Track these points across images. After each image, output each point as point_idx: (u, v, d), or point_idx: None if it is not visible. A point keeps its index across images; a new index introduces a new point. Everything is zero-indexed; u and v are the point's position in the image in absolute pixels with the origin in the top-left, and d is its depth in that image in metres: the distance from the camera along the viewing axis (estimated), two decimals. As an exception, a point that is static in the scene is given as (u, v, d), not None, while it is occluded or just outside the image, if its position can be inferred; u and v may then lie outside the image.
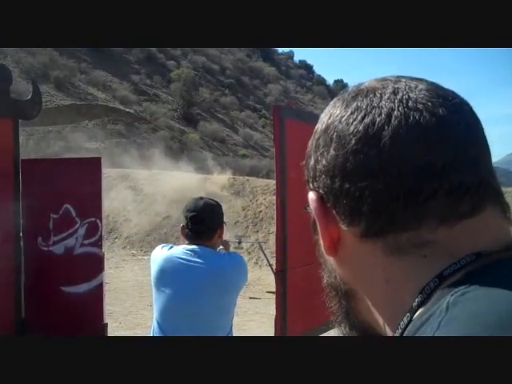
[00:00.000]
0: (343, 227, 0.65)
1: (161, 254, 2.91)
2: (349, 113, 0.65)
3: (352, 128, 0.64)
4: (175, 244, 3.10)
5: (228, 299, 2.93)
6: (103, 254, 6.06)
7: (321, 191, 0.67)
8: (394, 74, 0.70)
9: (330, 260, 0.70)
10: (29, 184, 6.19)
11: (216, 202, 3.08)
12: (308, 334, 4.84)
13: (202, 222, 2.88)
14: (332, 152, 0.65)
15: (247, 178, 17.70)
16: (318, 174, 0.67)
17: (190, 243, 2.90)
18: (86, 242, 6.09)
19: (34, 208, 6.17)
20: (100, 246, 6.06)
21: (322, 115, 0.70)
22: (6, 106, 6.09)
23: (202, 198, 3.04)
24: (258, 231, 14.44)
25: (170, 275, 2.83)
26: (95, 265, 5.98)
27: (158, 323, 2.85)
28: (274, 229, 14.35)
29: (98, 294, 5.85)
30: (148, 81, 53.30)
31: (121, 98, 46.82)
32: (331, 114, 0.68)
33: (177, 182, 17.56)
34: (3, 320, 5.87)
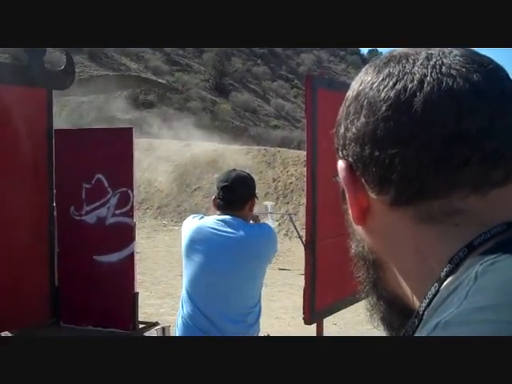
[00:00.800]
0: (372, 195, 0.64)
1: (192, 224, 2.95)
2: (380, 79, 0.64)
3: (383, 94, 0.62)
4: (206, 215, 3.13)
5: (257, 269, 2.97)
6: (134, 224, 6.13)
7: (350, 159, 0.66)
8: None
9: (359, 229, 0.69)
10: (62, 154, 6.26)
11: (248, 174, 3.13)
12: (336, 306, 4.86)
13: (233, 192, 2.92)
14: (362, 119, 0.64)
15: (278, 149, 17.65)
16: (347, 141, 0.66)
17: (221, 213, 2.93)
18: (117, 211, 6.17)
19: (66, 178, 6.26)
20: (131, 216, 6.12)
21: (353, 82, 0.69)
22: (39, 76, 6.15)
23: (234, 170, 3.09)
24: (288, 203, 14.43)
25: (200, 244, 2.87)
26: (127, 234, 6.06)
27: (188, 292, 2.89)
28: (304, 200, 14.32)
29: (129, 263, 5.93)
30: (180, 51, 53.19)
31: (153, 68, 46.87)
32: (362, 80, 0.67)
33: (208, 152, 17.61)
34: (37, 288, 6.00)
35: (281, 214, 13.34)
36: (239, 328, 2.87)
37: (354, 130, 0.65)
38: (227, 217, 2.92)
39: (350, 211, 0.67)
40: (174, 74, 47.98)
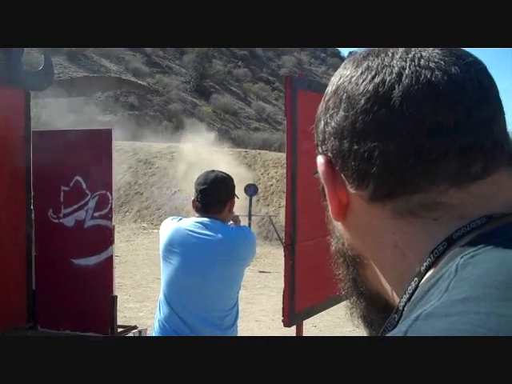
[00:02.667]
0: (351, 190, 0.63)
1: (170, 226, 2.93)
2: (359, 73, 0.64)
3: (362, 88, 0.62)
4: (185, 217, 3.11)
5: (235, 272, 2.96)
6: (113, 227, 6.08)
7: (329, 154, 0.65)
8: None
9: (338, 225, 0.68)
10: (39, 156, 6.20)
11: (227, 174, 3.11)
12: (316, 308, 4.85)
13: (212, 194, 2.92)
14: (341, 113, 0.63)
15: (259, 151, 17.66)
16: (326, 136, 0.66)
17: (200, 216, 2.90)
18: (96, 214, 6.11)
19: (44, 180, 6.19)
20: (110, 219, 6.07)
21: (333, 77, 0.69)
22: (17, 77, 6.08)
23: (213, 171, 3.07)
24: (268, 205, 14.44)
25: (178, 247, 2.85)
26: (105, 237, 6.00)
27: (165, 294, 2.87)
28: (284, 203, 14.36)
29: (107, 266, 5.88)
30: (161, 52, 53.06)
31: (133, 69, 46.71)
32: (341, 75, 0.66)
33: (188, 155, 17.58)
34: (15, 291, 5.93)
35: (261, 216, 13.34)
36: (216, 331, 2.85)
37: (333, 124, 0.64)
38: (206, 219, 2.90)
39: (329, 207, 0.66)
40: (155, 76, 47.85)
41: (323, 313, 5.16)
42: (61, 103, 33.14)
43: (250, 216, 11.85)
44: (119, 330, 6.09)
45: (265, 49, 64.21)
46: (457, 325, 0.48)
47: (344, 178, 0.64)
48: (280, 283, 8.04)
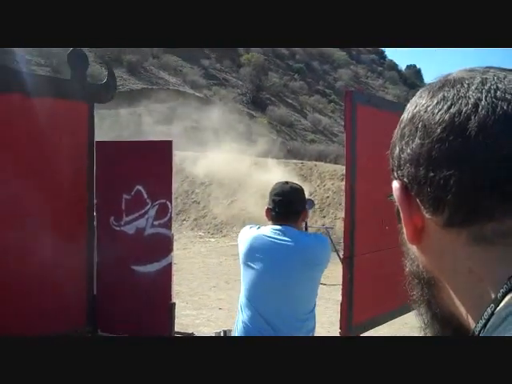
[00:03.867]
0: (427, 216, 0.65)
1: (250, 233, 3.09)
2: (435, 102, 0.65)
3: (438, 117, 0.64)
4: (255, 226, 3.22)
5: (314, 275, 3.12)
6: (172, 235, 6.18)
7: (405, 180, 0.67)
8: (480, 64, 0.69)
9: (413, 248, 0.70)
10: (102, 165, 6.37)
11: (300, 186, 3.29)
12: (374, 322, 4.82)
13: (288, 205, 3.07)
14: (417, 141, 0.65)
15: (315, 162, 17.61)
16: (402, 162, 0.67)
17: (276, 224, 3.05)
18: (156, 222, 6.23)
19: (107, 188, 6.35)
20: (170, 227, 6.17)
21: (408, 105, 0.70)
22: (82, 90, 6.27)
23: (287, 183, 3.23)
24: (324, 216, 14.38)
25: (259, 252, 3.01)
26: (165, 245, 6.10)
27: (248, 298, 2.99)
28: (340, 214, 14.24)
29: (166, 274, 5.98)
30: (218, 65, 53.59)
31: (191, 82, 47.30)
32: (417, 103, 0.68)
33: (245, 166, 17.67)
34: (76, 296, 6.09)
35: (317, 228, 13.30)
36: (297, 333, 2.95)
37: (408, 151, 0.66)
38: (282, 227, 3.05)
39: (404, 230, 0.68)
40: (212, 88, 48.33)
41: (380, 326, 5.12)
42: (121, 114, 33.82)
43: (306, 227, 11.82)
44: (176, 336, 6.18)
45: (321, 62, 64.08)
46: None
47: (419, 203, 0.66)
48: (336, 295, 8.00)
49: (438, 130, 0.63)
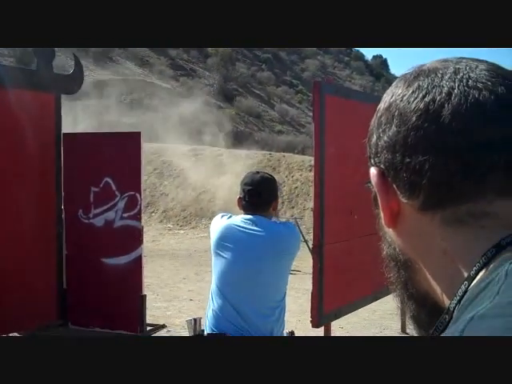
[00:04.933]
0: (403, 200, 0.68)
1: (221, 223, 3.11)
2: (410, 91, 0.69)
3: (413, 105, 0.67)
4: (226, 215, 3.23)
5: (284, 264, 3.15)
6: (142, 227, 6.16)
7: (382, 166, 0.70)
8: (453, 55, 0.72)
9: (390, 232, 0.73)
10: (70, 157, 6.31)
11: (271, 175, 3.30)
12: (344, 310, 4.88)
13: (259, 194, 3.10)
14: (394, 128, 0.68)
15: (283, 154, 17.67)
16: (379, 149, 0.70)
17: (247, 213, 3.08)
18: (125, 215, 6.20)
19: (75, 181, 6.30)
20: (139, 219, 6.15)
21: (385, 95, 0.73)
22: (48, 81, 6.19)
23: (258, 172, 3.26)
24: (293, 207, 14.46)
25: (230, 241, 3.04)
26: (135, 237, 6.08)
27: (218, 286, 3.01)
28: (309, 205, 14.35)
29: (136, 266, 5.96)
30: (185, 55, 53.24)
31: (158, 72, 46.94)
32: (393, 93, 0.71)
33: (213, 157, 17.65)
34: (46, 290, 6.03)
35: (286, 218, 13.37)
36: (268, 322, 2.98)
37: (385, 138, 0.69)
38: (253, 216, 3.08)
39: (381, 215, 0.71)
40: (179, 79, 48.03)
41: (350, 314, 5.19)
42: (87, 105, 33.42)
43: (276, 217, 11.88)
44: (148, 328, 6.17)
45: (288, 52, 64.09)
46: (511, 324, 0.53)
47: (396, 188, 0.68)
48: (306, 284, 8.06)
49: (414, 118, 0.66)
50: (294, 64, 64.33)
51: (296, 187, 14.92)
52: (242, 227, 3.05)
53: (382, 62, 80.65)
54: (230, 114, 44.87)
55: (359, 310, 5.26)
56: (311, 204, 13.74)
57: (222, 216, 3.20)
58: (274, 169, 15.95)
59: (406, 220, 0.69)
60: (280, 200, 15.32)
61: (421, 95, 0.67)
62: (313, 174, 4.94)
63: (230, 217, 3.17)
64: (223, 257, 3.03)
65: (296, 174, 15.34)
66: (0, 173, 5.55)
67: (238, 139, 34.82)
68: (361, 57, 77.70)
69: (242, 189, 3.13)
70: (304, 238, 10.96)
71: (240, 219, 3.09)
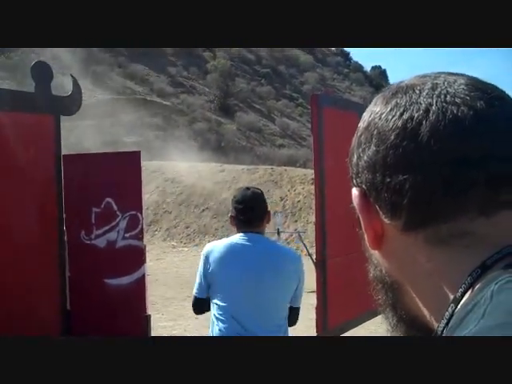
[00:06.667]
0: (386, 221, 0.66)
1: (218, 245, 3.13)
2: (388, 109, 0.67)
3: (391, 124, 0.65)
4: (215, 235, 3.21)
5: (285, 282, 3.11)
6: (145, 247, 6.14)
7: (363, 186, 0.68)
8: (432, 68, 0.71)
9: (375, 254, 0.70)
10: (70, 178, 6.30)
11: (260, 190, 3.34)
12: (350, 324, 4.84)
13: (252, 210, 3.13)
14: (373, 148, 0.66)
15: (285, 168, 17.68)
16: (360, 169, 0.68)
17: (242, 231, 3.11)
18: (127, 235, 6.18)
19: (76, 202, 6.29)
20: (141, 239, 6.13)
21: (364, 113, 0.72)
22: (47, 103, 6.20)
23: (248, 189, 3.27)
24: (296, 221, 14.43)
25: (232, 260, 3.05)
26: (137, 257, 6.06)
27: (222, 306, 3.02)
28: (312, 218, 14.31)
29: (140, 285, 5.93)
30: (185, 73, 53.51)
31: (158, 90, 47.17)
32: (372, 111, 0.69)
33: (215, 173, 17.67)
34: (49, 311, 6.01)
35: (290, 233, 13.34)
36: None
37: (365, 158, 0.68)
38: (250, 234, 3.10)
39: (365, 236, 0.69)
40: (179, 96, 48.25)
41: (355, 329, 5.14)
42: (87, 126, 33.57)
43: (278, 232, 11.89)
44: (153, 348, 6.13)
45: (287, 66, 64.36)
46: None
47: (378, 208, 0.66)
48: (310, 299, 7.99)
49: (392, 137, 0.64)
50: (293, 77, 64.60)
51: (299, 201, 14.90)
52: (242, 244, 3.08)
53: (381, 73, 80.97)
54: (230, 129, 45.01)
55: (366, 322, 5.22)
56: (314, 218, 13.72)
57: (215, 242, 3.23)
58: (276, 183, 15.95)
59: (390, 241, 0.67)
60: (283, 214, 15.37)
61: (398, 113, 0.65)
62: (314, 187, 4.93)
63: (225, 239, 3.22)
64: (226, 276, 3.04)
65: (298, 187, 15.32)
66: (2, 196, 5.55)
67: (240, 154, 34.90)
68: (359, 68, 78.07)
69: (234, 207, 3.17)
70: (308, 252, 10.93)
71: (239, 237, 3.12)
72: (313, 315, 4.48)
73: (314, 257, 9.24)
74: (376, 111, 0.69)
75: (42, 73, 6.19)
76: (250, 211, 3.12)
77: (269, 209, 3.30)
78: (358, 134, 0.71)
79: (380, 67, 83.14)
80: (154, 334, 6.03)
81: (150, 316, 5.94)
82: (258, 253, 3.05)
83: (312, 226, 13.56)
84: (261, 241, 3.12)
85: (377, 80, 75.20)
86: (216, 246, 3.13)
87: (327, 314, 4.43)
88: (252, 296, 3.00)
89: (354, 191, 0.69)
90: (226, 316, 3.00)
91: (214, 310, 3.09)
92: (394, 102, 0.67)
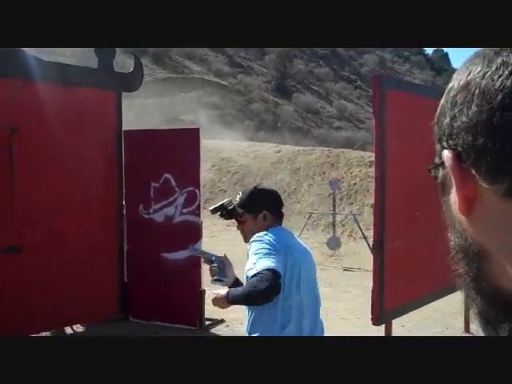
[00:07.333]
0: (484, 185, 0.63)
1: (278, 235, 2.85)
2: (493, 68, 0.63)
3: (498, 84, 0.61)
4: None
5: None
6: (201, 223, 6.20)
7: (459, 148, 0.65)
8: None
9: (461, 220, 0.67)
10: (130, 154, 6.41)
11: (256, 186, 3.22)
12: (405, 308, 4.79)
13: (282, 203, 3.11)
14: (474, 108, 0.63)
15: (342, 150, 17.52)
16: (455, 131, 0.65)
17: (278, 224, 2.98)
18: (184, 210, 6.26)
19: (135, 177, 6.40)
20: (198, 215, 6.19)
21: (457, 74, 0.68)
22: (109, 80, 6.31)
23: (258, 186, 3.30)
24: (352, 203, 14.30)
25: (292, 251, 2.86)
26: (194, 233, 6.13)
27: (297, 300, 2.82)
28: (368, 201, 14.17)
29: (196, 261, 6.00)
30: (243, 53, 53.53)
31: (216, 70, 47.36)
32: (470, 70, 0.66)
33: (271, 154, 17.66)
34: (108, 284, 6.15)
35: (345, 215, 13.25)
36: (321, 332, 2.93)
37: (464, 118, 0.63)
38: (286, 229, 3.03)
39: (452, 201, 0.66)
40: (237, 76, 48.33)
41: (411, 313, 5.08)
42: (146, 104, 34.00)
43: (334, 214, 11.83)
44: (207, 323, 6.21)
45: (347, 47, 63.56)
46: None
47: (475, 172, 0.63)
48: (365, 282, 7.96)
49: (499, 97, 0.60)
50: (352, 59, 63.83)
51: (355, 183, 14.76)
52: (299, 243, 3.02)
53: (443, 56, 79.09)
54: (287, 110, 44.88)
55: (421, 308, 5.15)
56: (370, 200, 13.59)
57: (265, 234, 2.83)
58: (332, 165, 15.83)
59: (485, 207, 0.63)
60: (339, 196, 15.28)
61: (507, 72, 0.61)
62: (372, 170, 4.87)
63: (274, 232, 2.88)
64: (293, 267, 2.80)
65: (355, 170, 15.16)
66: (67, 168, 5.69)
67: (296, 135, 34.78)
68: (420, 51, 76.40)
69: (270, 202, 2.99)
70: (364, 234, 10.84)
71: (286, 231, 3.02)
72: (368, 297, 4.45)
73: (370, 240, 9.17)
74: (477, 70, 0.65)
75: (105, 50, 6.29)
76: (281, 204, 3.05)
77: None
78: (452, 93, 0.67)
79: (442, 50, 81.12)
80: (206, 308, 6.09)
81: (204, 291, 6.01)
82: (305, 248, 3.00)
83: (368, 209, 13.42)
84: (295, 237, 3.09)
85: (438, 63, 73.57)
86: (278, 237, 2.82)
87: (383, 297, 4.39)
88: (313, 292, 2.93)
89: (447, 153, 0.66)
90: (293, 316, 2.80)
91: (285, 302, 2.77)
92: (499, 61, 0.64)
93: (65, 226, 5.69)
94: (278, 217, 2.98)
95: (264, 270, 2.56)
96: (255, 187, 3.12)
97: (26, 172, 5.35)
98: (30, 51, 5.43)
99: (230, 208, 3.05)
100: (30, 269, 5.37)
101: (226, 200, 3.15)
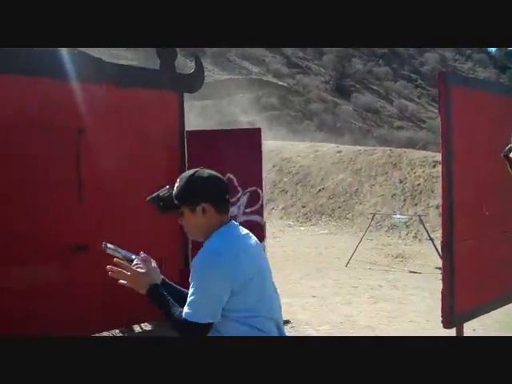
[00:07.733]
0: None
1: (232, 246, 2.37)
2: None
3: None
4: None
5: None
6: (265, 223, 6.18)
7: None
8: None
9: None
10: (193, 154, 6.43)
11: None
12: (478, 311, 4.64)
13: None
14: None
15: (404, 149, 17.20)
16: None
17: (226, 219, 2.48)
18: (248, 210, 6.25)
19: (198, 176, 6.40)
20: (262, 214, 6.17)
21: None
22: (171, 80, 6.35)
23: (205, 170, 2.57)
24: (416, 204, 14.00)
25: (256, 257, 2.46)
26: (257, 233, 6.02)
27: (261, 313, 2.35)
28: (433, 202, 13.87)
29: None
30: (300, 53, 53.37)
31: (274, 71, 47.36)
32: None
33: (332, 154, 17.53)
34: (173, 275, 6.16)
35: (409, 216, 12.98)
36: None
37: None
38: (234, 225, 2.51)
39: None
40: (295, 77, 48.23)
41: (482, 316, 4.92)
42: (205, 105, 34.30)
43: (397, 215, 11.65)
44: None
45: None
46: None
47: None
48: (432, 284, 7.77)
49: None
50: (412, 58, 62.80)
51: (419, 184, 14.44)
52: (244, 236, 2.51)
53: (507, 54, 76.84)
54: (346, 110, 44.53)
55: (493, 311, 4.98)
56: (435, 201, 13.30)
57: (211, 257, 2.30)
58: (394, 165, 15.56)
59: None
60: (402, 198, 15.01)
61: None
62: (436, 170, 4.75)
63: (233, 241, 2.40)
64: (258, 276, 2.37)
65: (418, 170, 14.84)
66: (128, 171, 5.74)
67: (356, 135, 34.47)
68: (483, 49, 74.46)
69: (213, 190, 2.43)
70: (429, 235, 10.60)
71: (234, 231, 2.46)
72: (435, 299, 4.33)
73: (436, 241, 8.93)
74: None
75: (167, 51, 6.34)
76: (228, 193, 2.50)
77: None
78: None
79: (505, 48, 78.95)
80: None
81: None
82: (257, 244, 2.52)
83: (433, 210, 13.15)
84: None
85: (502, 61, 71.49)
86: (232, 250, 2.32)
87: (454, 299, 4.26)
88: (272, 292, 2.48)
89: None
90: (269, 320, 2.36)
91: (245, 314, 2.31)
92: None
93: (130, 227, 5.75)
94: (223, 209, 2.42)
95: (191, 321, 2.20)
96: (194, 173, 2.47)
97: (91, 174, 5.41)
98: (93, 52, 5.52)
99: (166, 198, 2.48)
100: (97, 268, 5.42)
101: (163, 189, 2.51)
